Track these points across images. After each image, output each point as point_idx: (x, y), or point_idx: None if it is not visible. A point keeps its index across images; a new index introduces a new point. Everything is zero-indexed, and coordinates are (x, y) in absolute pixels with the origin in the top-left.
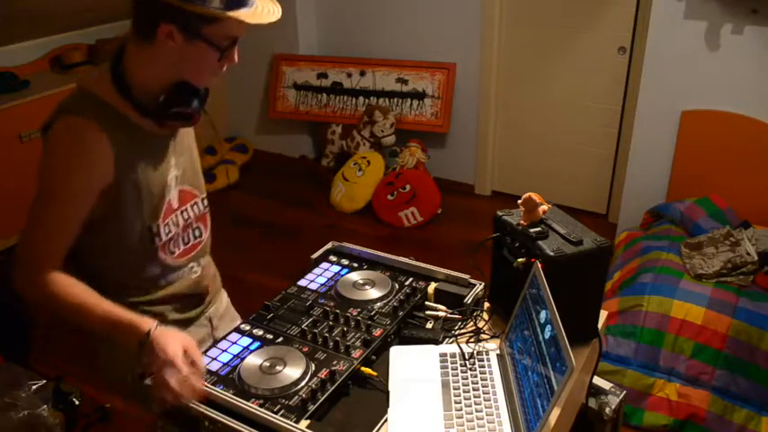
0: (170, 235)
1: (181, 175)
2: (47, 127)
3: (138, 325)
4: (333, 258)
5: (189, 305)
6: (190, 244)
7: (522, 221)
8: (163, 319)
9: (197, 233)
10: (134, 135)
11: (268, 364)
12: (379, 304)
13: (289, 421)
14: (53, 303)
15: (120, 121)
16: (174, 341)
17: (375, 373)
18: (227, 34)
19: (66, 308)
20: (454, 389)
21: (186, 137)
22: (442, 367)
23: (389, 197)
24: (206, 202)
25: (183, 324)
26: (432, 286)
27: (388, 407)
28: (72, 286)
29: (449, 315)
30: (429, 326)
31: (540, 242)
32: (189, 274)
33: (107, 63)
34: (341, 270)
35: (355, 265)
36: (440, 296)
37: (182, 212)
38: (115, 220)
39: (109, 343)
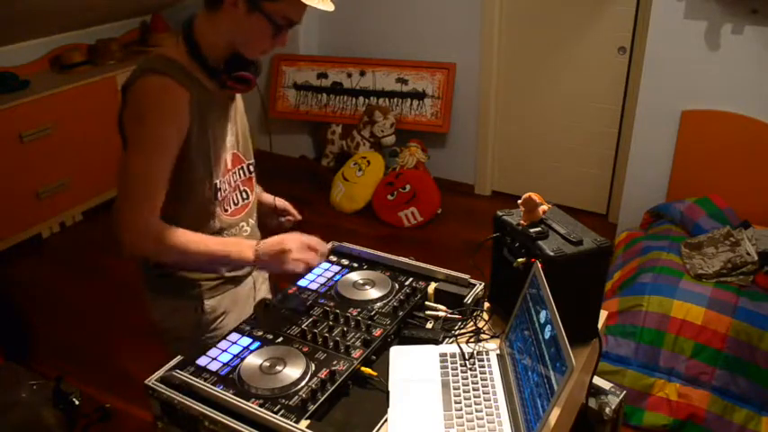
0: (225, 193)
1: (235, 140)
2: (127, 85)
3: (248, 243)
4: (333, 258)
5: None
6: (240, 205)
7: (522, 221)
8: (218, 275)
9: (244, 195)
10: (204, 96)
11: (268, 364)
12: (379, 304)
13: (289, 421)
14: (163, 246)
15: (194, 81)
16: (279, 241)
17: (375, 373)
18: (284, 14)
19: (177, 246)
20: (454, 389)
21: (239, 107)
22: (442, 367)
23: (389, 197)
24: (252, 167)
25: (234, 281)
26: (432, 286)
27: (388, 407)
28: (173, 228)
29: (449, 315)
30: (429, 326)
31: (540, 242)
32: (240, 233)
33: (179, 34)
34: (341, 270)
35: (355, 265)
36: (440, 296)
37: (232, 174)
38: (188, 172)
39: (168, 297)
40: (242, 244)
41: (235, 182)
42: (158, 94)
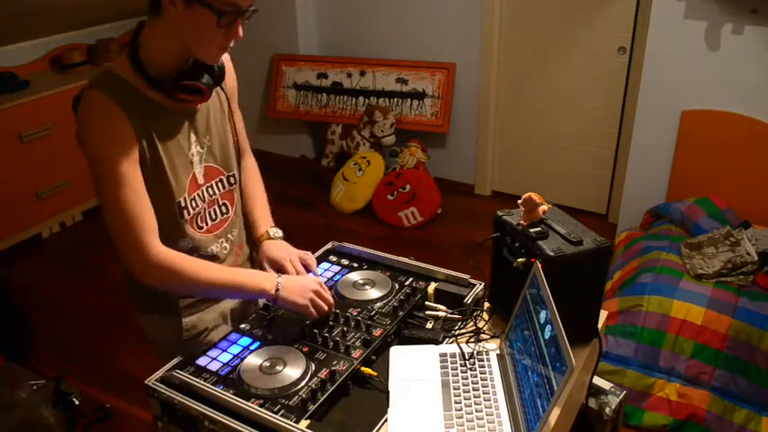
0: (197, 209)
1: (206, 152)
2: (76, 101)
3: (269, 274)
4: (333, 258)
5: None
6: (217, 220)
7: (522, 221)
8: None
9: (223, 210)
10: (150, 111)
11: (268, 364)
12: (379, 304)
13: (289, 421)
14: (172, 275)
15: (136, 97)
16: (301, 278)
17: (375, 373)
18: None
19: (187, 275)
20: (454, 389)
21: (216, 116)
22: (442, 367)
23: (389, 197)
24: (233, 180)
25: (214, 298)
26: (432, 286)
27: (388, 407)
28: (180, 254)
29: (449, 315)
30: (429, 326)
31: (540, 242)
32: (220, 251)
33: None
34: (341, 270)
35: (355, 265)
36: (440, 296)
37: (207, 188)
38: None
39: (149, 312)
40: (260, 275)
41: (211, 196)
42: (92, 115)
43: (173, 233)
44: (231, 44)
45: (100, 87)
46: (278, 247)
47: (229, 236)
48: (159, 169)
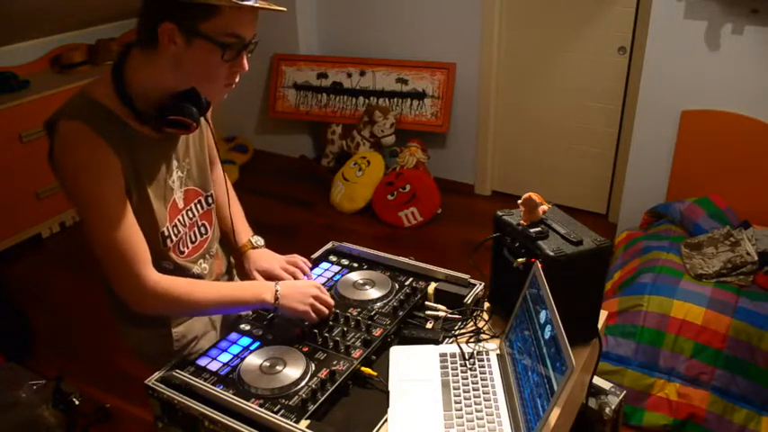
0: (179, 236)
1: (185, 176)
2: (50, 126)
3: (266, 283)
4: (333, 258)
5: None
6: (197, 242)
7: (522, 221)
8: None
9: (202, 230)
10: (134, 141)
11: (268, 364)
12: (379, 304)
13: (289, 421)
14: (170, 302)
15: (119, 126)
16: (299, 284)
17: (375, 373)
18: (225, 30)
19: (185, 299)
20: (454, 389)
21: (194, 136)
22: (442, 367)
23: (389, 197)
24: (210, 199)
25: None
26: (432, 286)
27: (388, 407)
28: (176, 279)
29: (449, 315)
30: (429, 326)
31: (540, 242)
32: (201, 271)
33: (109, 67)
34: (341, 270)
35: (355, 265)
36: (440, 296)
37: (187, 212)
38: None
39: (137, 327)
40: (257, 287)
41: (191, 219)
42: (80, 153)
43: (155, 260)
44: (237, 79)
45: (83, 119)
46: (264, 257)
47: (207, 256)
48: (143, 199)
